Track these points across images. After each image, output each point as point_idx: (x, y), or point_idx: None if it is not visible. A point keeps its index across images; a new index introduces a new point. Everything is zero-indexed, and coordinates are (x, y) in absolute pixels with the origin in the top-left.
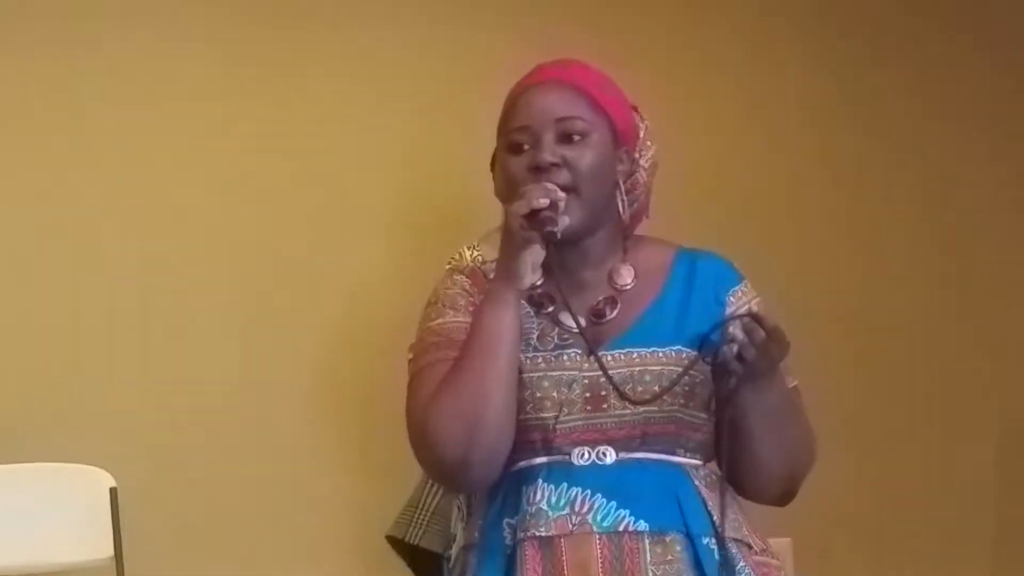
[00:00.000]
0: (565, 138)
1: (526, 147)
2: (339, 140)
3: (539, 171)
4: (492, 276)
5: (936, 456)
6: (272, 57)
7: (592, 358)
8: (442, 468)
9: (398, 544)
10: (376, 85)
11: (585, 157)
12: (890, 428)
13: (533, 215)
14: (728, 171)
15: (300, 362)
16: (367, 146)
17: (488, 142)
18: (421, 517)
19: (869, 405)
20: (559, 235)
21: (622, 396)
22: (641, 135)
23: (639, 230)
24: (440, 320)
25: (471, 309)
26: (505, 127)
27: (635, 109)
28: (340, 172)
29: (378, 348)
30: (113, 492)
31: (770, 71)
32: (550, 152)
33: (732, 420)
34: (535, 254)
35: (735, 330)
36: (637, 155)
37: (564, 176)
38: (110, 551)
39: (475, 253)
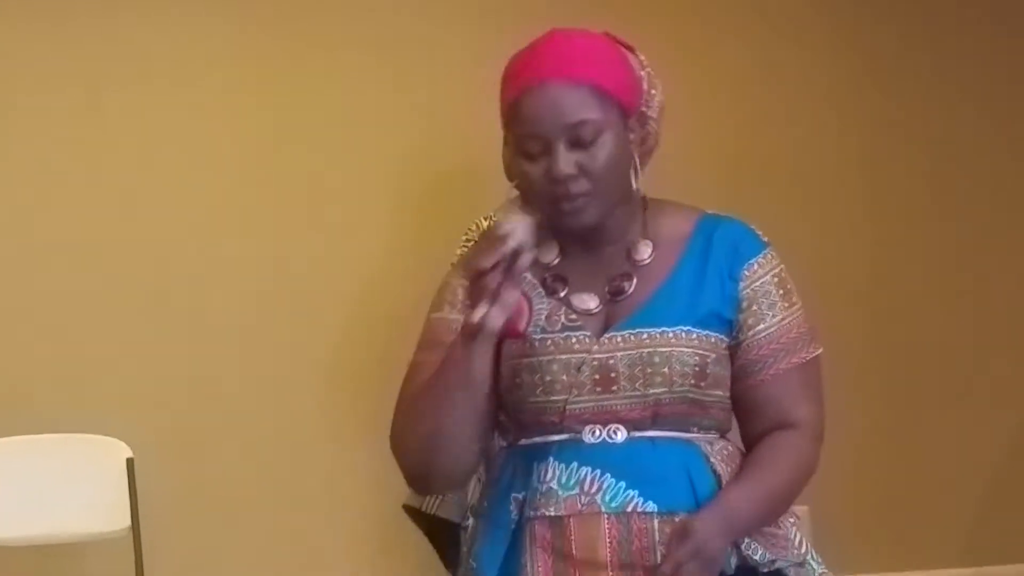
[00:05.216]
0: (578, 143)
1: (538, 154)
2: (345, 123)
3: (556, 181)
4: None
5: (951, 425)
6: (277, 43)
7: (603, 339)
8: (405, 473)
9: (415, 513)
10: (380, 69)
11: (600, 159)
12: (907, 397)
13: (481, 275)
14: (744, 142)
15: (315, 333)
16: (373, 130)
17: (493, 123)
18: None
19: (886, 376)
20: (526, 273)
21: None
22: (645, 87)
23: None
24: (437, 315)
25: (462, 310)
26: (512, 130)
27: (631, 50)
28: (347, 156)
29: (390, 324)
30: (130, 463)
31: (786, 42)
32: (565, 162)
33: None
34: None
35: None
36: (645, 109)
37: (582, 184)
38: (127, 521)
39: (492, 223)
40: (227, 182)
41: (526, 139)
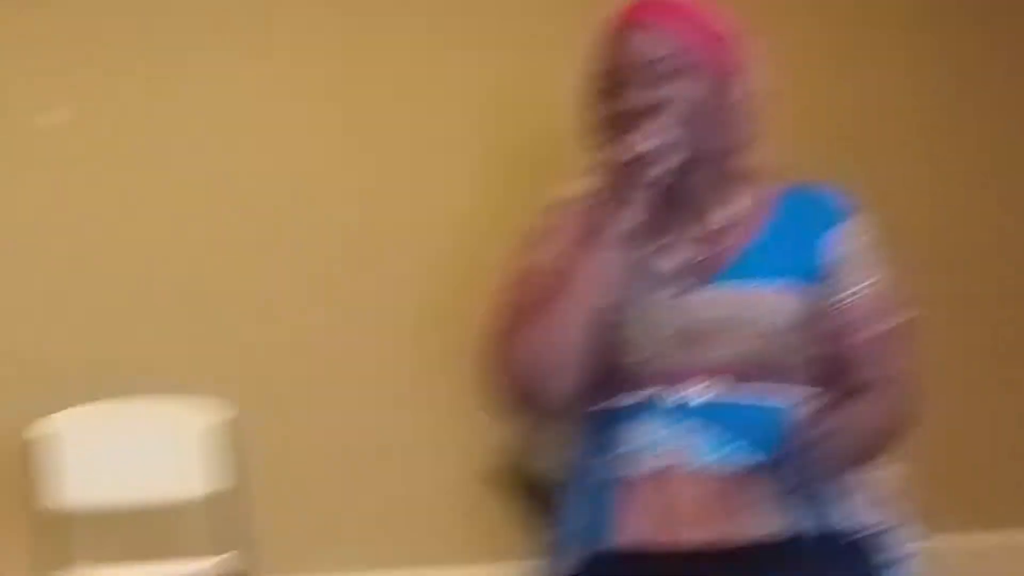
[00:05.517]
0: (661, 80)
1: (621, 90)
2: (431, 85)
3: (636, 116)
4: (589, 216)
5: None
6: (364, 3)
7: (689, 297)
8: (509, 398)
9: (503, 473)
10: (466, 19)
11: (682, 98)
12: (1006, 352)
13: (632, 162)
14: (830, 105)
15: (406, 294)
16: (458, 92)
17: (576, 87)
18: (528, 447)
19: (984, 334)
20: (658, 182)
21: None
22: (744, 65)
23: (749, 161)
24: (530, 257)
25: (562, 247)
26: (599, 69)
27: (738, 36)
28: (434, 107)
29: (477, 278)
30: (232, 423)
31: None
32: (647, 96)
33: None
34: (635, 200)
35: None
36: (740, 85)
37: (662, 120)
38: (231, 481)
39: (574, 189)
40: (313, 147)
41: (611, 75)
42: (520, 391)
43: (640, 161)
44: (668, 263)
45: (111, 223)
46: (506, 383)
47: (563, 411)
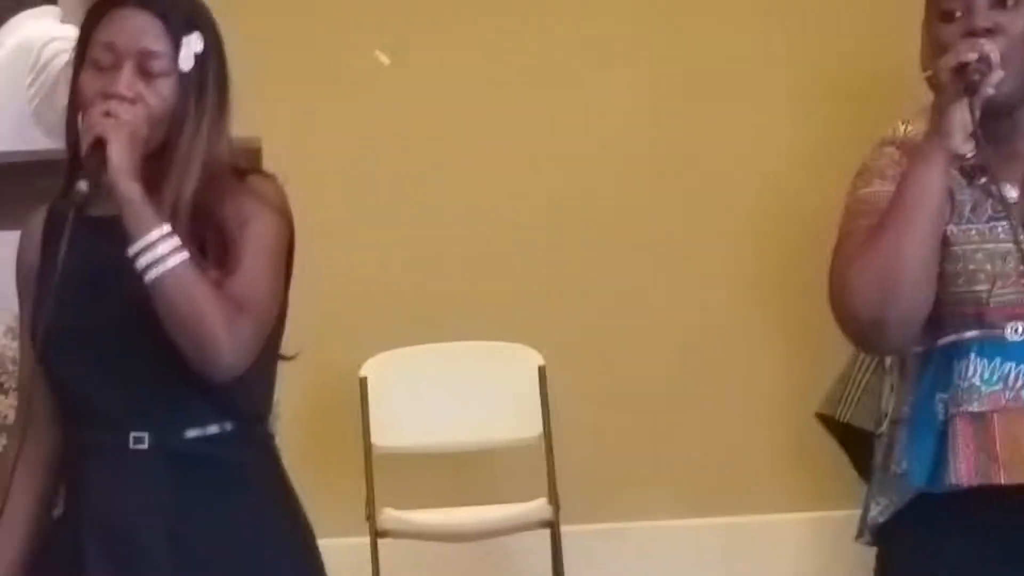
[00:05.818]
0: (999, 3)
1: (958, 14)
2: (750, 26)
3: (970, 34)
4: (921, 142)
5: None
6: None
7: None
8: (857, 327)
9: (828, 421)
10: None
11: (1020, 23)
12: None
13: (962, 69)
14: None
15: (725, 239)
16: (780, 33)
17: (903, 29)
18: (852, 394)
19: None
20: (990, 90)
21: None
22: None
23: None
24: (867, 189)
25: (897, 176)
26: None
27: None
28: (751, 58)
29: (800, 225)
30: (542, 371)
31: None
32: (983, 18)
33: None
34: (964, 112)
35: None
36: None
37: (998, 43)
38: (539, 428)
39: (909, 128)
40: (630, 90)
41: (947, 0)
42: (863, 320)
43: (970, 69)
44: (1007, 194)
45: (446, 167)
46: (848, 313)
47: (905, 341)
